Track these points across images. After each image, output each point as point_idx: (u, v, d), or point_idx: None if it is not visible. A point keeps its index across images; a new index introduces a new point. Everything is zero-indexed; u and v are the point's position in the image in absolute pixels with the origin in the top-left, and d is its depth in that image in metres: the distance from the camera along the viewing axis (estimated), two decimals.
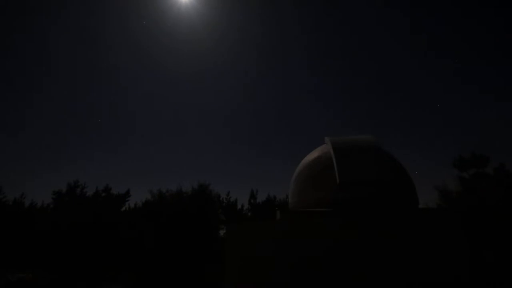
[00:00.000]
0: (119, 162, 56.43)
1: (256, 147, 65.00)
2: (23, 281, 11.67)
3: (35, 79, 54.50)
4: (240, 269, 7.09)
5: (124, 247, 15.85)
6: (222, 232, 17.12)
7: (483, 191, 13.59)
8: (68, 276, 14.47)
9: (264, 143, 64.81)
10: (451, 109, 52.35)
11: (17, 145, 51.63)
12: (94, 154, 55.55)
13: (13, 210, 19.86)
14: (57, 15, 48.98)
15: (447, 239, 6.67)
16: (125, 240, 16.01)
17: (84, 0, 48.32)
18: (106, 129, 59.71)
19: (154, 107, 61.53)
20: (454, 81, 52.06)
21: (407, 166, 8.97)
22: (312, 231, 6.80)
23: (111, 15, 51.22)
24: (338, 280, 6.39)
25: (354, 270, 6.45)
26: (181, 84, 62.00)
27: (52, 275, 13.74)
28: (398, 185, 7.87)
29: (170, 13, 49.29)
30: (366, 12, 50.69)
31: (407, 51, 53.97)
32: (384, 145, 8.79)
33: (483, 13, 46.28)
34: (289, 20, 55.02)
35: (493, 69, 47.90)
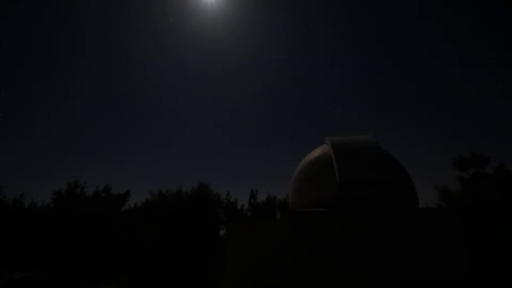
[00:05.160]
0: (119, 162, 56.42)
1: (256, 147, 65.03)
2: (23, 280, 11.68)
3: (38, 78, 54.54)
4: (240, 269, 7.10)
5: (124, 247, 15.85)
6: (222, 232, 17.14)
7: (483, 191, 13.60)
8: (68, 276, 14.47)
9: (264, 143, 64.85)
10: (451, 109, 52.37)
11: (17, 145, 51.66)
12: (94, 154, 55.55)
13: (13, 210, 19.86)
14: (83, 9, 48.72)
15: (447, 239, 6.68)
16: (125, 240, 16.02)
17: None
18: (106, 129, 59.72)
19: (155, 106, 61.54)
20: (455, 81, 52.11)
21: (407, 166, 9.00)
22: (312, 231, 6.81)
23: (139, 11, 51.04)
24: (338, 280, 6.40)
25: (354, 269, 6.46)
26: (185, 84, 62.04)
27: (52, 275, 13.75)
28: (398, 185, 7.88)
29: (196, 11, 49.29)
30: (366, 12, 50.75)
31: (408, 52, 54.01)
32: (384, 145, 8.81)
33: (484, 13, 46.31)
34: (299, 25, 55.05)
35: (494, 69, 47.91)
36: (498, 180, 14.32)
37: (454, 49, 51.08)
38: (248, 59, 60.28)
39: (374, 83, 57.84)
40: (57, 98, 55.20)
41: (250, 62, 60.48)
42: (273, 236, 7.06)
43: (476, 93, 47.46)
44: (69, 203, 19.01)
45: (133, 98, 59.49)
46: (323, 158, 8.63)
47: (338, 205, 7.34)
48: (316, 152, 9.27)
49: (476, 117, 47.75)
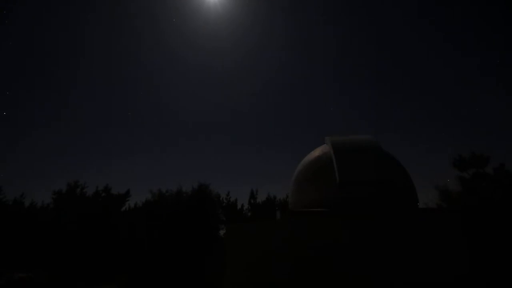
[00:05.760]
0: (119, 162, 56.45)
1: (256, 147, 65.06)
2: (23, 280, 11.69)
3: (38, 78, 54.51)
4: (240, 268, 7.10)
5: (124, 247, 15.86)
6: (222, 232, 17.14)
7: (483, 191, 13.59)
8: (68, 276, 14.47)
9: (264, 143, 64.86)
10: (451, 109, 52.40)
11: (17, 145, 51.65)
12: (94, 154, 55.55)
13: (13, 210, 19.85)
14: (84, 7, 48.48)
15: (447, 239, 6.68)
16: (125, 240, 16.02)
17: None
18: (106, 129, 59.73)
19: (155, 106, 61.53)
20: (455, 81, 52.10)
21: (407, 166, 9.01)
22: (312, 231, 6.80)
23: (141, 11, 50.88)
24: (338, 280, 6.39)
25: (354, 269, 6.46)
26: (186, 84, 62.01)
27: (52, 275, 13.75)
28: (398, 185, 7.88)
29: (199, 11, 49.24)
30: (366, 12, 50.74)
31: (409, 52, 54.01)
32: (384, 145, 8.81)
33: (485, 13, 46.30)
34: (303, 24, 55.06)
35: (494, 69, 47.91)
36: (498, 180, 14.31)
37: (454, 49, 51.10)
38: (248, 59, 60.31)
39: (374, 83, 57.87)
40: (57, 98, 55.23)
41: (251, 62, 60.51)
42: (273, 236, 7.06)
43: (476, 93, 47.49)
44: (69, 203, 19.00)
45: (134, 98, 59.52)
46: (323, 158, 8.63)
47: (338, 205, 7.33)
48: (316, 152, 9.27)
49: (476, 117, 47.77)
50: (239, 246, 7.38)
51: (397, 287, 6.29)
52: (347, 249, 6.56)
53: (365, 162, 7.79)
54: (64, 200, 19.47)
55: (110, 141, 59.12)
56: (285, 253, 6.65)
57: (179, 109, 62.65)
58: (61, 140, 53.90)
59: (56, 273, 14.44)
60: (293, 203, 8.89)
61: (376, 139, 8.71)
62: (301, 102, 65.06)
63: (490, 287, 8.45)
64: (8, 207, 20.05)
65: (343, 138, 8.86)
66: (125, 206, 21.13)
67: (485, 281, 8.07)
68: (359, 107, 61.24)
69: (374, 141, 8.59)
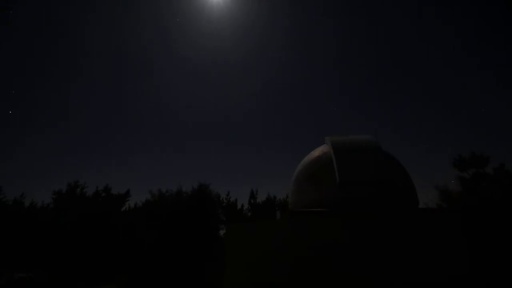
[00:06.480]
0: (119, 162, 56.43)
1: (256, 147, 65.04)
2: (23, 280, 11.69)
3: (39, 78, 54.47)
4: (240, 268, 7.10)
5: (124, 247, 15.86)
6: (222, 232, 17.14)
7: (483, 191, 13.60)
8: (68, 276, 14.47)
9: (264, 143, 64.84)
10: (451, 109, 52.38)
11: (17, 145, 51.62)
12: (94, 154, 55.55)
13: (13, 210, 19.83)
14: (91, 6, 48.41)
15: (447, 239, 6.68)
16: (125, 240, 16.03)
17: None
18: (107, 129, 59.71)
19: (155, 106, 61.50)
20: (455, 81, 52.06)
21: (407, 166, 9.00)
22: (312, 231, 6.80)
23: (143, 9, 50.82)
24: (338, 280, 6.39)
25: (354, 269, 6.46)
26: (186, 83, 61.97)
27: (52, 275, 13.75)
28: (398, 185, 7.87)
29: (203, 11, 49.28)
30: (366, 12, 50.72)
31: (409, 52, 53.99)
32: (384, 145, 8.81)
33: (485, 13, 46.27)
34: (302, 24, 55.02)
35: (494, 69, 47.87)
36: (498, 180, 14.31)
37: (454, 49, 51.07)
38: (248, 59, 60.30)
39: (374, 83, 57.85)
40: (57, 98, 55.21)
41: (251, 62, 60.48)
42: (273, 236, 7.06)
43: (476, 93, 47.48)
44: (69, 203, 19.00)
45: (134, 98, 59.51)
46: (323, 158, 8.63)
47: (338, 205, 7.33)
48: (316, 152, 9.27)
49: (476, 117, 47.75)
50: (239, 246, 7.38)
51: (397, 287, 6.28)
52: (347, 249, 6.56)
53: (365, 162, 7.79)
54: (64, 200, 19.47)
55: (110, 141, 59.13)
56: (285, 253, 6.64)
57: (179, 109, 62.65)
58: (61, 140, 53.93)
59: (56, 273, 14.43)
60: (293, 203, 8.89)
61: (376, 139, 8.71)
62: (301, 102, 65.05)
63: (490, 287, 8.44)
64: (8, 207, 20.03)
65: (343, 138, 8.85)
66: (125, 206, 21.14)
67: (485, 281, 8.07)
68: (359, 107, 61.25)
69: (374, 141, 8.58)
